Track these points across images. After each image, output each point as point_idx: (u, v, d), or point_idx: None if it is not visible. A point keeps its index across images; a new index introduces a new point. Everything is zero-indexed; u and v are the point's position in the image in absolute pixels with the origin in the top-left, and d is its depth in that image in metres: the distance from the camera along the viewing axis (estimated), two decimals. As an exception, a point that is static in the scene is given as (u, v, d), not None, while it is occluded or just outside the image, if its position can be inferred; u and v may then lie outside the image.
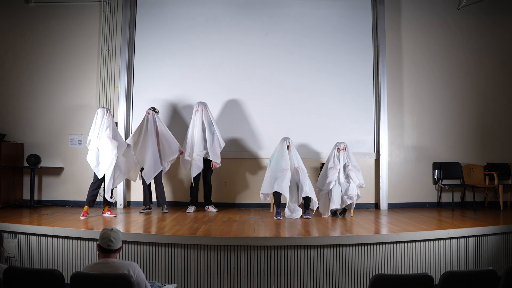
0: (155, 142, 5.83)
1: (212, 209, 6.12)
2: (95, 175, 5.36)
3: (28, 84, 6.71)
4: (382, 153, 6.64)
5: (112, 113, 5.61)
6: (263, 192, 5.67)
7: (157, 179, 5.87)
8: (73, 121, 6.64)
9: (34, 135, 6.65)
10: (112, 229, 2.92)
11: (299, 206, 5.67)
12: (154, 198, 6.04)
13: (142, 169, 5.83)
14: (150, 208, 6.00)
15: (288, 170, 5.55)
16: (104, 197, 5.61)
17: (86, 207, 5.34)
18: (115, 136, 5.41)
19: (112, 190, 5.41)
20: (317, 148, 6.65)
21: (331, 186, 5.52)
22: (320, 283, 4.13)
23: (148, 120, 5.88)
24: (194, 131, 5.96)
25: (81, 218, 5.22)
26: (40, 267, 4.33)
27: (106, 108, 5.62)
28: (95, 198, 5.43)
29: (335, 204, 5.49)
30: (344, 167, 5.66)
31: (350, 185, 5.54)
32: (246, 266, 4.09)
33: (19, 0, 6.76)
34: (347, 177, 5.60)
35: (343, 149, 5.71)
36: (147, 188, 5.94)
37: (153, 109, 6.02)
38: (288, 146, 5.71)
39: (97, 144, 5.30)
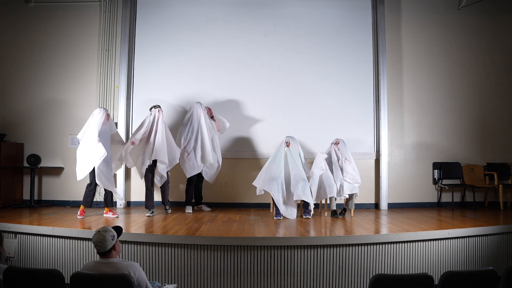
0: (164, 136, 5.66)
1: (205, 208, 6.25)
2: (90, 176, 5.35)
3: (28, 84, 6.71)
4: (382, 153, 6.63)
5: (106, 113, 5.44)
6: (255, 183, 5.65)
7: (167, 179, 5.87)
8: (73, 121, 6.61)
9: (34, 135, 6.65)
10: (99, 231, 2.85)
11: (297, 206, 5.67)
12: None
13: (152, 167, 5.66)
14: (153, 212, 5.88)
15: (281, 178, 5.53)
16: (104, 198, 5.66)
17: (82, 206, 5.39)
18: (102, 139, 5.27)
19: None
20: (317, 147, 6.61)
21: (314, 172, 5.59)
22: (320, 283, 4.13)
23: (159, 118, 5.66)
24: (205, 135, 5.88)
25: (79, 217, 5.26)
26: (40, 267, 4.33)
27: (102, 108, 5.55)
28: (91, 198, 5.44)
29: (332, 193, 5.50)
30: (338, 160, 5.72)
31: (345, 185, 5.59)
32: (246, 266, 4.09)
33: (19, 0, 6.77)
34: (341, 171, 5.65)
35: (335, 143, 5.84)
36: (151, 189, 5.72)
37: (158, 106, 5.81)
38: (287, 143, 5.70)
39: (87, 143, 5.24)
